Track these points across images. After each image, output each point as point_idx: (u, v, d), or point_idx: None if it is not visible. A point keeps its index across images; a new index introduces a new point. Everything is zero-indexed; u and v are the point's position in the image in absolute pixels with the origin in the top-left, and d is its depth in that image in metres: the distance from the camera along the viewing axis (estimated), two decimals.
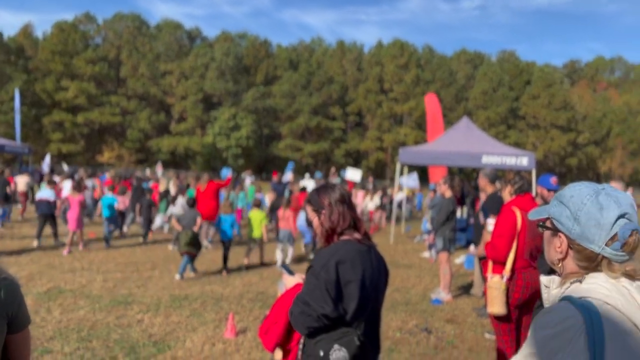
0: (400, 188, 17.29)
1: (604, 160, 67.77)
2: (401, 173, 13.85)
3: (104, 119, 57.50)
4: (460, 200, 11.23)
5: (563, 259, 1.36)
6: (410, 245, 13.03)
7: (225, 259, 8.77)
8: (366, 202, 17.86)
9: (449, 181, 7.74)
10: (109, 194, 11.38)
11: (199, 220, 8.71)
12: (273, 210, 12.89)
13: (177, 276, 7.97)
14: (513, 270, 3.94)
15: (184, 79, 61.44)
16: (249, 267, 9.23)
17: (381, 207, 17.63)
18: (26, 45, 57.78)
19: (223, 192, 13.34)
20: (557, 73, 70.95)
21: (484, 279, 4.43)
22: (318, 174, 18.85)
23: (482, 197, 6.80)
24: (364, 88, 64.88)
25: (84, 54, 58.02)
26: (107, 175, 18.44)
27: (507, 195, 4.38)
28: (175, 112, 62.10)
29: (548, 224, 1.41)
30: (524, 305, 3.94)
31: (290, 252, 9.88)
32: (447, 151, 12.46)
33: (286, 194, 13.97)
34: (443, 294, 7.33)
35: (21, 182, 15.47)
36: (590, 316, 1.17)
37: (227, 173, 14.81)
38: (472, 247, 9.59)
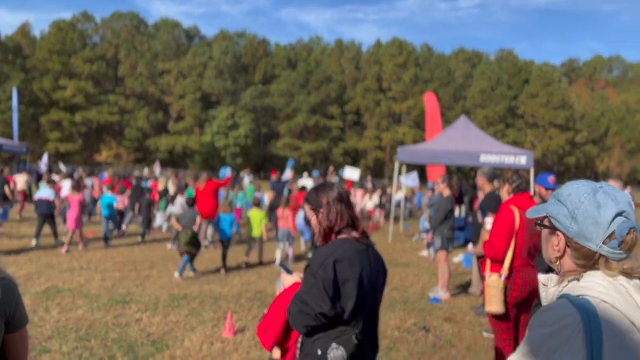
0: (399, 187, 17.30)
1: (602, 159, 67.93)
2: (399, 172, 13.85)
3: (101, 118, 57.44)
4: (458, 199, 11.23)
5: (561, 257, 1.36)
6: (409, 244, 13.04)
7: (224, 257, 8.78)
8: (365, 201, 17.86)
9: (447, 180, 7.74)
10: (108, 193, 11.37)
11: (198, 219, 8.71)
12: (272, 209, 12.89)
13: (177, 275, 7.97)
14: (511, 268, 3.94)
15: (182, 77, 61.38)
16: (248, 266, 9.23)
17: (380, 205, 17.64)
18: (24, 44, 57.65)
19: (222, 191, 13.33)
20: (555, 72, 71.02)
21: (482, 278, 4.44)
22: (316, 173, 18.84)
23: (480, 195, 6.81)
24: (362, 87, 64.89)
25: (82, 53, 57.93)
26: (106, 174, 18.42)
27: (505, 194, 4.39)
28: (174, 111, 62.06)
29: (546, 222, 1.41)
30: (522, 304, 3.95)
31: (290, 251, 9.89)
32: (445, 150, 12.46)
33: (285, 192, 13.96)
34: (441, 292, 7.34)
35: (20, 180, 15.46)
36: (588, 314, 1.17)
37: (226, 172, 14.80)
38: (470, 246, 9.59)
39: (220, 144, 57.48)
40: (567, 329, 1.17)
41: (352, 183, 19.42)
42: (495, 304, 3.88)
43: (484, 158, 11.96)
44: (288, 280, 2.44)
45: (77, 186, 10.47)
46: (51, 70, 55.96)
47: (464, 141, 12.82)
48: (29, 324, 1.83)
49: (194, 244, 8.17)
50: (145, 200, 12.07)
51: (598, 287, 1.24)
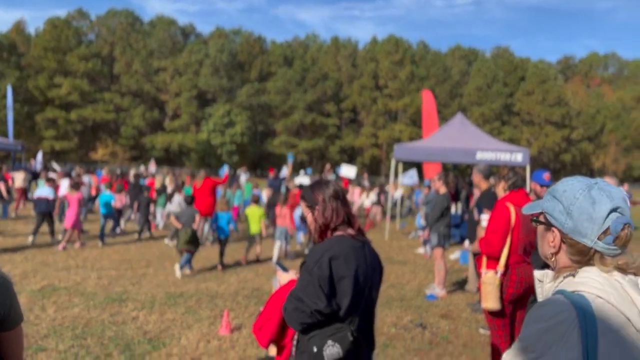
0: (396, 186, 17.33)
1: (598, 156, 68.18)
2: (396, 169, 13.87)
3: (97, 116, 57.23)
4: (454, 197, 11.25)
5: (556, 253, 1.36)
6: (405, 242, 13.06)
7: (221, 255, 8.79)
8: (362, 199, 17.88)
9: (443, 177, 7.75)
10: (106, 192, 11.39)
11: (197, 217, 8.70)
12: (270, 206, 12.89)
13: (178, 269, 7.98)
14: (507, 265, 3.95)
15: (178, 75, 61.21)
16: (244, 264, 9.23)
17: (378, 203, 17.67)
18: (18, 41, 57.35)
19: (220, 190, 13.33)
20: (551, 69, 71.17)
21: (478, 275, 4.45)
22: (309, 171, 18.83)
23: (476, 193, 6.82)
24: (358, 84, 64.88)
25: (77, 51, 57.69)
26: (104, 172, 18.37)
27: (501, 191, 4.39)
28: (169, 109, 61.90)
29: (541, 218, 1.41)
30: (518, 301, 3.96)
31: (288, 249, 9.89)
32: (442, 147, 12.48)
33: (282, 190, 13.95)
34: (438, 289, 7.35)
35: (19, 178, 15.45)
36: (583, 310, 1.18)
37: (225, 171, 14.81)
38: (467, 243, 9.62)
39: (216, 141, 57.38)
40: (562, 324, 1.18)
41: (349, 181, 19.45)
42: (491, 301, 3.89)
43: (480, 155, 11.98)
44: (284, 278, 2.44)
45: (76, 185, 10.46)
46: (46, 68, 55.70)
47: (460, 139, 12.84)
48: (25, 322, 1.82)
49: (193, 243, 8.19)
50: (144, 199, 12.05)
51: (593, 283, 1.24)
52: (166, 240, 10.97)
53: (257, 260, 9.59)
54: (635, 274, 1.28)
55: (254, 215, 9.54)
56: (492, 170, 6.62)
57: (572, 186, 1.34)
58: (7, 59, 53.81)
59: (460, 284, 8.13)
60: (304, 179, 16.74)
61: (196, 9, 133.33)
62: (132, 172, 18.47)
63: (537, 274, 1.43)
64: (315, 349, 2.05)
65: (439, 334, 5.58)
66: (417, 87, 59.22)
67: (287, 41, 72.32)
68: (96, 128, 59.57)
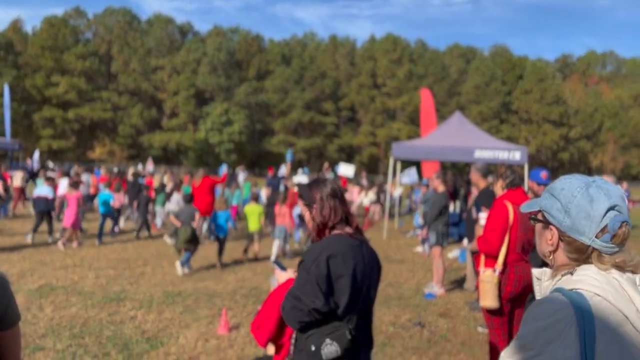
0: (395, 185, 17.33)
1: (596, 154, 68.29)
2: (394, 168, 13.87)
3: (95, 115, 57.08)
4: (452, 195, 11.26)
5: (554, 251, 1.36)
6: (403, 240, 13.07)
7: (220, 253, 8.80)
8: (361, 198, 17.88)
9: (441, 176, 7.75)
10: (105, 191, 11.41)
11: (197, 215, 8.70)
12: (269, 205, 12.88)
13: (179, 269, 7.99)
14: (505, 263, 3.95)
15: (176, 74, 61.09)
16: (242, 262, 9.23)
17: (377, 201, 17.66)
18: (15, 40, 57.15)
19: (218, 188, 13.33)
20: (549, 67, 71.26)
21: (477, 273, 4.45)
22: (306, 170, 18.83)
23: (474, 191, 6.82)
24: (356, 83, 64.85)
25: (75, 49, 57.52)
26: (102, 172, 18.35)
27: (499, 189, 4.40)
28: (167, 108, 61.78)
29: (539, 216, 1.41)
30: (516, 299, 3.96)
31: (287, 248, 9.90)
32: (440, 146, 12.48)
33: (281, 188, 13.94)
34: (436, 288, 7.36)
35: (17, 177, 15.48)
36: (581, 308, 1.18)
37: (224, 170, 14.80)
38: (465, 241, 9.63)
39: (214, 140, 57.31)
40: (560, 322, 1.18)
41: (347, 179, 19.44)
42: (489, 299, 3.89)
43: (479, 154, 11.99)
44: (282, 276, 2.43)
45: (75, 184, 10.47)
46: (43, 67, 55.53)
47: (459, 137, 12.85)
48: (23, 322, 1.81)
49: (192, 242, 8.21)
50: (143, 198, 12.04)
51: (591, 281, 1.24)
52: (165, 237, 10.97)
53: (256, 259, 9.59)
54: (633, 272, 1.28)
55: (253, 213, 9.55)
56: (490, 169, 6.63)
57: (570, 184, 1.34)
58: (4, 57, 53.63)
59: (459, 283, 8.14)
60: (302, 178, 16.73)
61: (193, 7, 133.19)
62: (130, 171, 18.44)
63: (535, 272, 1.43)
64: (313, 348, 2.04)
65: (437, 333, 5.59)
66: (416, 86, 59.19)
67: (285, 39, 72.18)
68: (94, 127, 59.42)
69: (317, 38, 74.51)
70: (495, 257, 3.98)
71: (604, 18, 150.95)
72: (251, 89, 61.02)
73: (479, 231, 5.06)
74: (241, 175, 19.91)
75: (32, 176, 17.27)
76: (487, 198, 5.97)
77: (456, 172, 16.79)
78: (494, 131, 59.59)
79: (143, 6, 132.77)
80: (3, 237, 10.76)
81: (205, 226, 11.31)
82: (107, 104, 58.46)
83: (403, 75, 62.97)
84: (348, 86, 65.79)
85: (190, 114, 59.96)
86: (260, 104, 61.65)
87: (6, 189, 14.13)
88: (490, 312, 3.97)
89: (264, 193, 14.80)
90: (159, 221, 13.43)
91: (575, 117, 66.64)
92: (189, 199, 9.09)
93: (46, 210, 10.37)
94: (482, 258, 4.08)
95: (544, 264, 1.45)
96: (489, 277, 3.93)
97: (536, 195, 5.08)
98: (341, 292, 2.08)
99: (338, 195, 2.29)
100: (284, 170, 16.87)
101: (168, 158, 59.12)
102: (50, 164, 23.18)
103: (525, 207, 1.47)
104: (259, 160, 61.56)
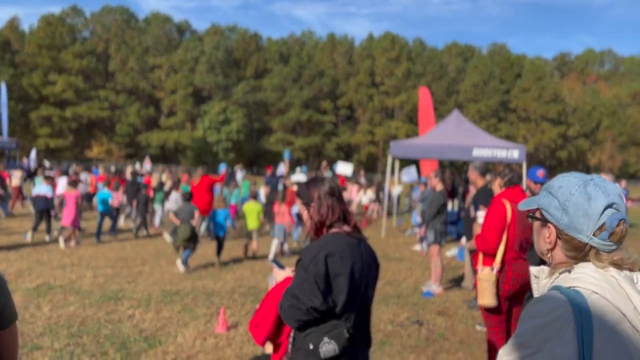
0: (393, 183, 17.33)
1: (594, 152, 68.40)
2: (393, 167, 13.87)
3: (92, 114, 56.96)
4: (451, 193, 11.25)
5: (552, 249, 1.36)
6: (402, 239, 13.08)
7: (218, 252, 8.80)
8: (360, 197, 17.89)
9: (439, 174, 7.75)
10: (104, 190, 11.41)
11: (196, 213, 8.70)
12: (268, 204, 12.87)
13: (181, 267, 8.00)
14: (503, 262, 3.96)
15: (174, 72, 60.98)
16: (241, 261, 9.22)
17: (377, 199, 17.68)
18: (12, 39, 56.97)
19: (217, 187, 13.34)
20: (547, 66, 71.31)
21: (475, 271, 4.46)
22: (304, 169, 18.83)
23: (473, 190, 6.83)
24: (355, 81, 64.80)
25: (72, 48, 57.37)
26: (100, 171, 18.35)
27: (497, 187, 4.40)
28: (165, 107, 61.67)
29: (537, 214, 1.41)
30: (514, 297, 3.97)
31: (285, 246, 9.90)
32: (438, 144, 12.48)
33: (280, 187, 13.94)
34: (434, 286, 7.37)
35: (16, 176, 15.49)
36: (579, 306, 1.18)
37: (223, 169, 14.80)
38: (464, 240, 9.64)
39: (212, 139, 57.23)
40: (558, 320, 1.18)
41: (345, 178, 19.46)
42: (487, 297, 3.90)
43: (477, 152, 11.99)
44: (280, 275, 2.43)
45: (74, 182, 10.48)
46: (40, 66, 55.37)
47: (457, 135, 12.85)
48: (20, 321, 1.81)
49: (191, 239, 8.21)
50: (142, 196, 12.03)
51: (589, 279, 1.24)
52: (165, 235, 10.96)
53: (254, 258, 9.58)
54: (630, 270, 1.28)
55: (252, 211, 9.55)
56: (489, 167, 6.64)
57: (568, 182, 1.34)
58: (1, 56, 53.43)
59: (457, 281, 8.15)
60: (300, 177, 16.73)
61: (191, 5, 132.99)
62: (128, 170, 18.43)
63: (533, 270, 1.43)
64: (311, 346, 2.04)
65: (435, 331, 5.60)
66: (414, 84, 59.19)
67: (282, 38, 72.05)
68: (91, 126, 59.29)
69: (315, 37, 74.38)
70: (493, 256, 3.98)
71: (602, 16, 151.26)
72: (249, 87, 60.94)
73: (477, 229, 5.06)
74: (239, 174, 19.90)
75: (29, 175, 17.24)
76: (485, 196, 5.98)
77: (454, 171, 16.83)
78: (492, 130, 59.65)
79: (140, 5, 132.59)
80: (0, 236, 10.74)
81: (204, 226, 11.31)
82: (104, 102, 58.34)
83: (401, 74, 62.94)
84: (346, 85, 65.74)
85: (188, 112, 59.86)
86: (258, 102, 61.58)
87: (4, 188, 14.12)
88: (488, 310, 3.98)
89: (262, 192, 14.80)
90: (157, 220, 13.42)
91: (574, 115, 66.73)
92: (188, 196, 9.09)
93: (45, 209, 10.39)
94: (480, 256, 4.09)
95: (541, 262, 1.45)
96: (487, 275, 3.93)
97: (533, 194, 5.08)
98: (339, 290, 2.08)
99: (336, 193, 2.28)
100: (282, 169, 16.87)
101: (166, 157, 59.04)
102: (47, 164, 23.11)
103: (523, 205, 1.47)
104: (257, 159, 61.51)
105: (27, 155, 22.88)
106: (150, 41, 62.52)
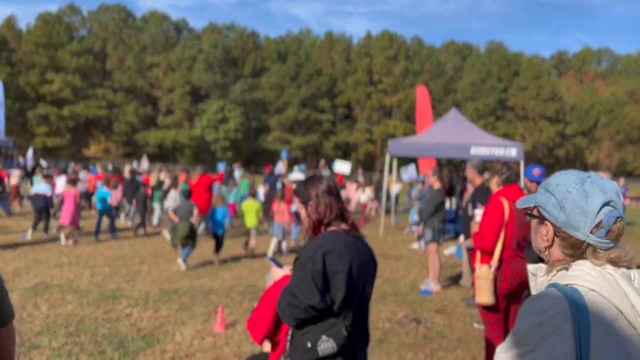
0: (391, 181, 17.35)
1: (591, 151, 68.51)
2: (391, 165, 13.88)
3: (90, 112, 56.82)
4: (448, 192, 11.28)
5: (549, 246, 1.37)
6: (400, 237, 13.09)
7: (217, 250, 8.80)
8: (358, 195, 17.89)
9: (437, 172, 7.76)
10: (103, 188, 11.42)
11: (195, 211, 8.69)
12: (267, 202, 12.87)
13: (182, 265, 8.00)
14: (501, 260, 3.96)
15: (171, 71, 60.85)
16: (239, 258, 9.22)
17: (375, 197, 17.69)
18: (9, 37, 56.76)
19: (216, 186, 13.33)
20: (545, 64, 71.35)
21: (473, 270, 4.46)
22: (302, 167, 18.84)
23: (470, 188, 6.83)
24: (352, 80, 64.77)
25: (69, 46, 57.20)
26: (98, 170, 18.33)
27: (494, 185, 4.40)
28: (163, 105, 61.55)
29: (535, 212, 1.41)
30: (512, 295, 3.97)
31: (284, 245, 9.90)
32: (436, 143, 12.50)
33: (278, 185, 13.93)
34: (432, 284, 7.38)
35: (15, 175, 15.48)
36: (576, 303, 1.18)
37: (221, 168, 14.80)
38: (461, 238, 9.65)
39: (210, 137, 57.17)
40: (556, 317, 1.18)
41: (343, 176, 19.46)
42: (485, 295, 3.90)
43: (475, 150, 12.01)
44: (278, 273, 2.43)
45: (73, 181, 10.47)
46: (38, 64, 55.19)
47: (455, 134, 12.87)
48: (18, 320, 1.80)
49: (191, 237, 8.22)
50: (141, 195, 12.02)
51: (586, 276, 1.24)
52: (164, 232, 10.95)
53: (252, 256, 9.58)
54: (627, 267, 1.29)
55: (251, 209, 9.55)
56: (486, 166, 6.65)
57: (565, 180, 1.34)
58: None
59: (455, 279, 8.16)
60: (298, 175, 16.72)
61: (188, 4, 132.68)
62: (127, 169, 18.39)
63: (531, 267, 1.43)
64: (309, 344, 2.04)
65: (433, 329, 5.61)
66: (412, 83, 59.22)
67: (280, 36, 71.94)
68: (89, 124, 59.14)
69: (313, 35, 74.28)
70: (491, 254, 3.98)
71: (599, 14, 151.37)
72: (247, 86, 60.87)
73: (475, 227, 5.07)
74: (237, 172, 19.87)
75: (26, 174, 17.21)
76: (483, 195, 5.98)
77: (452, 169, 16.84)
78: (490, 128, 59.68)
79: (138, 3, 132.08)
80: None
81: (202, 225, 11.30)
82: (102, 101, 58.20)
83: (399, 72, 62.94)
84: (344, 83, 65.70)
85: (185, 111, 59.76)
86: (256, 101, 61.51)
87: (3, 187, 14.11)
88: (486, 308, 3.98)
89: (261, 190, 14.79)
90: (155, 219, 13.40)
91: (571, 113, 66.82)
92: (187, 194, 9.09)
93: (45, 208, 10.41)
94: (478, 254, 4.09)
95: (539, 260, 1.46)
96: (484, 273, 3.94)
97: (531, 192, 5.09)
98: (337, 288, 2.08)
99: (333, 192, 2.28)
100: (280, 167, 16.87)
101: (164, 155, 58.93)
102: (44, 163, 23.05)
103: (521, 203, 1.47)
104: (255, 158, 61.44)
105: (24, 155, 22.82)
106: (148, 39, 62.37)
